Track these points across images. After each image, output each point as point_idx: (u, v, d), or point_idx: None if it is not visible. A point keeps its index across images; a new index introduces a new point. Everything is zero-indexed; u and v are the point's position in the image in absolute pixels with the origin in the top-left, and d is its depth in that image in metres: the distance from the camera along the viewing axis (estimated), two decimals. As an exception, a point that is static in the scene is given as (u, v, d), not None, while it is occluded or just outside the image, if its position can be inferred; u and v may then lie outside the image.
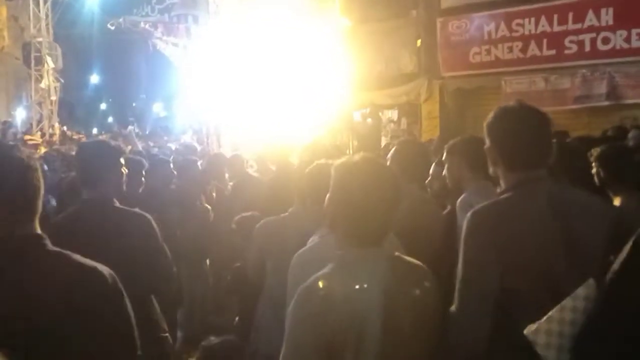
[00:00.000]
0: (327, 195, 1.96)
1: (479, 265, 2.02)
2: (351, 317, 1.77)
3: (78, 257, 1.74)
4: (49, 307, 1.61)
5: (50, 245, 1.72)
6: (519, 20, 9.51)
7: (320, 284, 1.83)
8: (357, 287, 1.80)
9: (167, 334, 3.16)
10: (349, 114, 12.38)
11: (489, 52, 9.85)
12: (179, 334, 4.79)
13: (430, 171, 3.55)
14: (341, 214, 1.90)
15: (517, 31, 9.55)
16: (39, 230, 1.73)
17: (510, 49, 9.61)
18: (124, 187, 3.16)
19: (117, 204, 3.07)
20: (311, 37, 12.43)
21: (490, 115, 2.21)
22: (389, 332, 1.80)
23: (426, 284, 1.93)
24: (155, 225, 3.11)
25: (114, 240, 2.72)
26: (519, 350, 1.85)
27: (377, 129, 11.87)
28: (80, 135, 18.98)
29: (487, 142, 2.21)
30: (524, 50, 9.50)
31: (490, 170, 2.24)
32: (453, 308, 2.07)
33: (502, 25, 9.67)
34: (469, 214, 2.07)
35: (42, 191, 1.74)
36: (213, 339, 2.55)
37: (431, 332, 1.92)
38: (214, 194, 6.02)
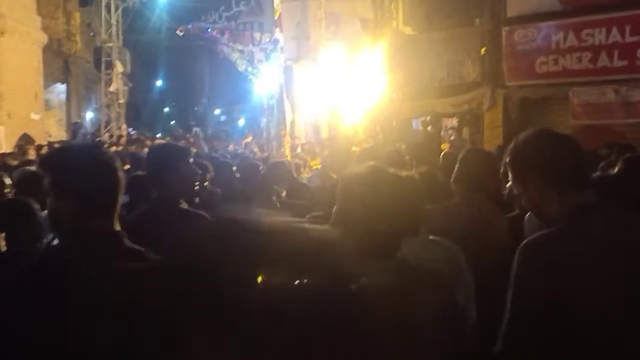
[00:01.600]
0: (334, 208, 1.90)
1: (532, 300, 1.79)
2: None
3: (152, 256, 1.79)
4: (122, 303, 1.64)
5: (128, 242, 1.79)
6: (589, 30, 9.22)
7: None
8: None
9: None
10: (407, 121, 12.32)
11: (556, 62, 9.59)
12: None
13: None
14: (346, 226, 1.81)
15: (586, 41, 9.26)
16: (118, 227, 1.79)
17: (579, 59, 9.32)
18: (194, 188, 3.21)
19: (185, 204, 3.13)
20: (373, 45, 12.47)
21: (516, 151, 1.98)
22: (395, 341, 1.72)
23: (439, 291, 1.85)
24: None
25: (176, 240, 2.74)
26: None
27: (436, 138, 11.73)
28: (145, 138, 19.51)
29: (525, 178, 1.96)
30: (593, 60, 9.20)
31: (532, 204, 2.00)
32: (497, 348, 1.85)
33: (571, 35, 9.40)
34: (521, 246, 1.86)
35: (122, 190, 1.81)
36: None
37: (446, 339, 1.81)
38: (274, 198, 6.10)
